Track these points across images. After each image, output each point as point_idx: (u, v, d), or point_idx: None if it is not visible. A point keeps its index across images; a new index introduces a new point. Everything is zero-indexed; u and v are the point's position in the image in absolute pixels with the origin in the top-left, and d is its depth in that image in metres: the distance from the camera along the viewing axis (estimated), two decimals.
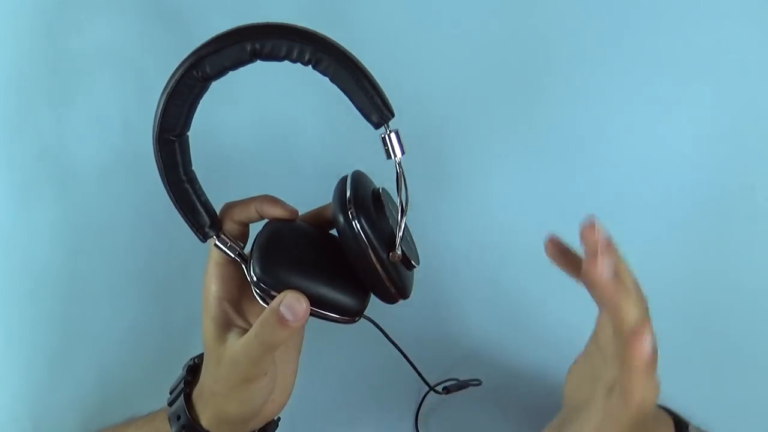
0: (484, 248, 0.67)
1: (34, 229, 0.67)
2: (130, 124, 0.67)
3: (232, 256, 0.49)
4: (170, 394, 0.53)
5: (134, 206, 0.67)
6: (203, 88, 0.46)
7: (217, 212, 0.50)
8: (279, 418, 0.54)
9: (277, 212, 0.49)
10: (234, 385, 0.47)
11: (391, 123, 0.45)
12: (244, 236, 0.51)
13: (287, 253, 0.48)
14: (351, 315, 0.48)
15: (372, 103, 0.45)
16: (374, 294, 0.48)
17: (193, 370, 0.53)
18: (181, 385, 0.52)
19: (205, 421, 0.50)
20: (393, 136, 0.45)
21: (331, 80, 0.45)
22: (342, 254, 0.47)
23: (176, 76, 0.45)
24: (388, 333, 0.52)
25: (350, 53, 0.45)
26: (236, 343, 0.47)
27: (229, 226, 0.50)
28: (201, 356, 0.53)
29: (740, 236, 0.65)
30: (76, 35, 0.67)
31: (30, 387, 0.66)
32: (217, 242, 0.48)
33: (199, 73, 0.45)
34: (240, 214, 0.50)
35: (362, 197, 0.47)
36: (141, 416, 0.55)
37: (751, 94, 0.65)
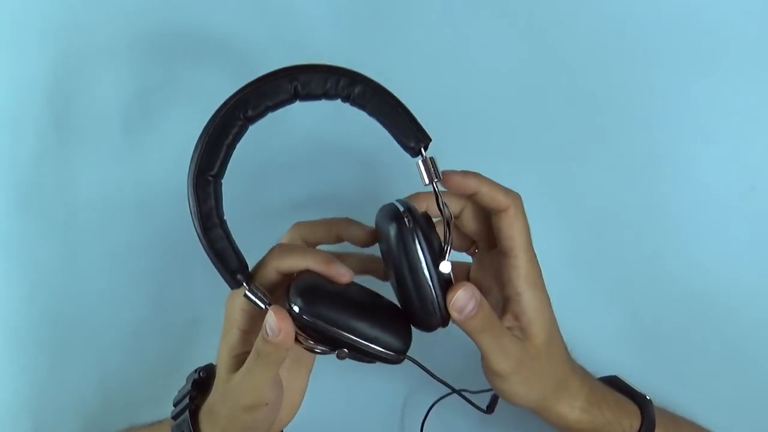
0: None
1: (34, 229, 0.67)
2: (131, 124, 0.67)
3: (263, 307, 0.46)
4: (174, 406, 0.52)
5: (134, 206, 0.67)
6: (243, 129, 0.46)
7: (263, 254, 0.49)
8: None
9: (331, 272, 0.47)
10: (236, 411, 0.48)
11: None
12: (281, 286, 0.48)
13: (334, 296, 0.47)
14: (398, 351, 0.47)
15: (410, 130, 0.47)
16: (417, 317, 0.48)
17: (199, 384, 0.52)
18: (186, 400, 0.51)
19: None
20: (430, 160, 0.47)
21: (369, 112, 0.47)
22: (377, 299, 0.49)
23: (220, 115, 0.46)
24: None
25: (382, 85, 0.47)
26: (240, 369, 0.47)
27: (271, 273, 0.48)
28: (206, 369, 0.53)
29: (740, 236, 0.65)
30: (76, 35, 0.67)
31: (30, 388, 0.66)
32: (248, 293, 0.47)
33: (242, 114, 0.46)
34: (291, 264, 0.48)
35: (416, 210, 0.47)
36: (143, 426, 0.55)
37: (751, 93, 0.65)
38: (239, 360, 0.48)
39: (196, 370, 0.53)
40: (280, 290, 0.48)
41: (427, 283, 0.46)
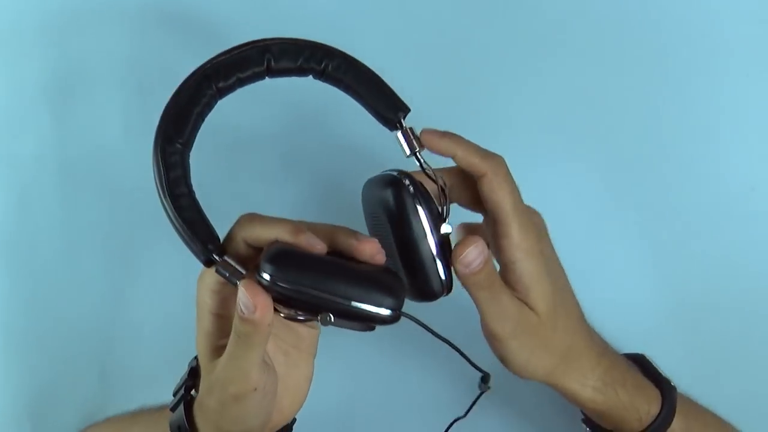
0: None
1: (34, 229, 0.67)
2: (131, 124, 0.67)
3: (237, 282, 0.42)
4: (174, 396, 0.49)
5: (134, 206, 0.67)
6: (213, 100, 0.44)
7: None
8: (294, 420, 0.51)
9: (301, 242, 0.42)
10: (224, 401, 0.44)
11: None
12: (251, 260, 0.43)
13: (306, 257, 0.42)
14: (392, 308, 0.41)
15: (388, 101, 0.46)
16: (419, 285, 0.46)
17: (195, 373, 0.48)
18: (182, 390, 0.48)
19: None
20: (410, 130, 0.47)
21: (345, 87, 0.46)
22: (359, 262, 0.43)
23: (191, 82, 0.43)
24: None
25: (356, 58, 0.46)
26: (222, 356, 0.43)
27: (239, 245, 0.43)
28: None
29: (740, 236, 0.65)
30: (77, 35, 0.67)
31: (30, 387, 0.66)
32: (220, 268, 0.42)
33: (213, 84, 0.43)
34: (259, 234, 0.43)
35: (414, 179, 0.46)
36: (149, 410, 0.54)
37: (752, 93, 0.65)
38: (219, 347, 0.44)
39: (194, 358, 0.49)
40: (253, 265, 0.43)
41: (431, 246, 0.45)
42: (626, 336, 0.64)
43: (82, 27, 0.67)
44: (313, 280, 0.40)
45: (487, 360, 0.51)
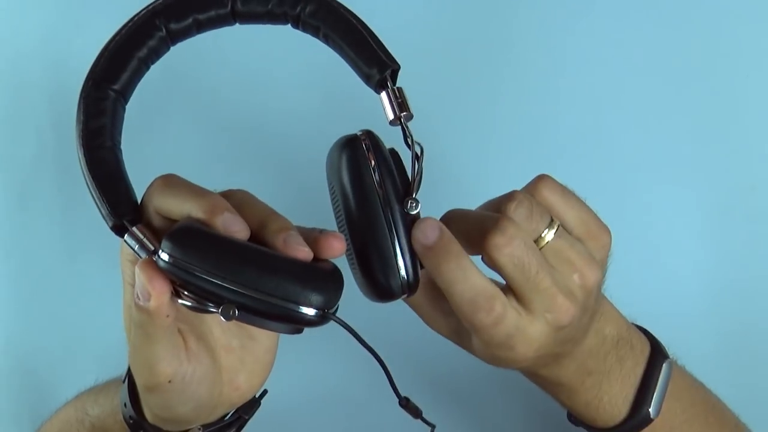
0: None
1: (34, 229, 0.67)
2: (130, 124, 0.67)
3: (141, 258, 0.35)
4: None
5: None
6: (163, 44, 0.38)
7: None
8: (265, 392, 0.44)
9: (215, 223, 0.34)
10: (141, 390, 0.39)
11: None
12: (164, 233, 0.35)
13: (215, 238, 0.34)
14: (313, 304, 0.33)
15: (371, 54, 0.37)
16: (370, 276, 0.36)
17: None
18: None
19: (149, 416, 0.41)
20: (397, 91, 0.38)
21: (324, 35, 0.38)
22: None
23: (136, 20, 0.37)
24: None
25: (339, 2, 0.38)
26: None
27: (152, 216, 0.36)
28: None
29: (740, 236, 0.65)
30: (77, 35, 0.67)
31: (30, 388, 0.66)
32: (127, 238, 0.36)
33: (163, 25, 0.37)
34: (171, 207, 0.36)
35: (376, 136, 0.38)
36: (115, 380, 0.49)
37: (752, 92, 0.65)
38: None
39: None
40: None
41: (389, 226, 0.35)
42: None
43: (83, 26, 0.67)
44: (215, 264, 0.33)
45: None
